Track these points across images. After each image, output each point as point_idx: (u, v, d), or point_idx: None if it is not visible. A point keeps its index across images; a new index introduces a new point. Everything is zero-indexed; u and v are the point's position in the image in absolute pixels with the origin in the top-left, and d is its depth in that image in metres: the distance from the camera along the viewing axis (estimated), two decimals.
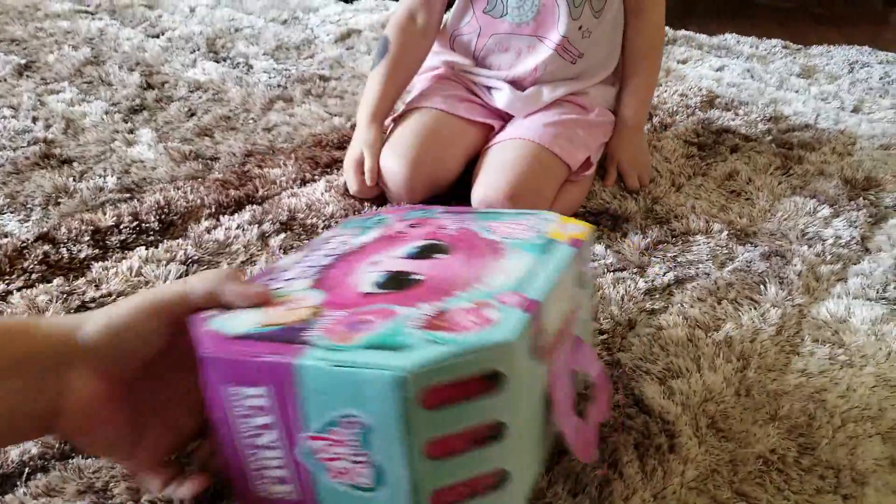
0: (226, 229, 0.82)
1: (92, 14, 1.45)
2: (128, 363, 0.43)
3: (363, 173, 0.88)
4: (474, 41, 0.92)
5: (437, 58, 0.97)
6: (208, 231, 0.82)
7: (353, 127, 1.08)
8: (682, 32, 1.62)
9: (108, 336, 0.42)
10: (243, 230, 0.82)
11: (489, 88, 0.94)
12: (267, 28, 1.44)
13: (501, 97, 0.92)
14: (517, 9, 0.88)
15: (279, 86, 1.21)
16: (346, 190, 0.91)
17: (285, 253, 0.79)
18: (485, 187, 0.83)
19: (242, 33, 1.41)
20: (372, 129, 0.90)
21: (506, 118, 0.95)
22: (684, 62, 1.45)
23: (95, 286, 0.70)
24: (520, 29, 0.89)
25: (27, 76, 1.15)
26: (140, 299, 0.43)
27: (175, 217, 0.82)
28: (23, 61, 1.19)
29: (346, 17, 1.56)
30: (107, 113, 1.05)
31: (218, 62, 1.28)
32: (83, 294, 0.69)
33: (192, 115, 1.08)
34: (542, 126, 0.88)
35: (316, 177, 0.95)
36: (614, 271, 0.77)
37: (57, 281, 0.70)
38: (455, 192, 0.90)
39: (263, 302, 0.44)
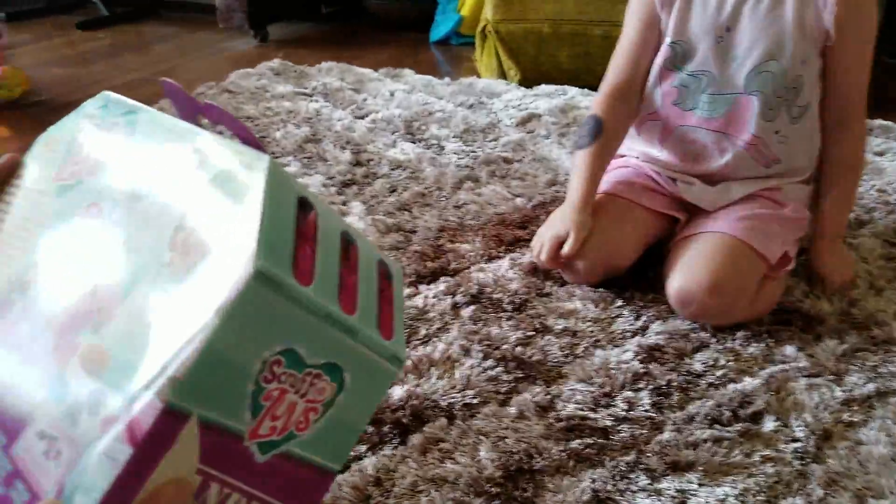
0: (424, 297, 0.90)
1: (309, 96, 1.65)
2: None
3: (557, 248, 0.90)
4: (660, 129, 0.96)
5: (624, 143, 1.01)
6: (409, 298, 0.90)
7: (533, 208, 1.15)
8: (879, 122, 1.55)
9: None
10: (438, 299, 0.90)
11: (674, 179, 0.97)
12: (456, 112, 1.57)
13: (689, 190, 0.95)
14: (709, 104, 0.90)
15: (467, 166, 1.30)
16: (531, 268, 0.97)
17: (475, 324, 0.86)
18: (684, 280, 0.84)
19: (435, 117, 1.54)
20: (585, 212, 0.91)
21: (690, 210, 0.97)
22: (881, 154, 1.39)
23: None
24: (708, 124, 0.91)
25: None
26: None
27: None
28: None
29: (526, 101, 1.66)
30: (324, 186, 1.20)
31: (414, 143, 1.41)
32: None
33: (394, 190, 1.20)
34: (737, 220, 0.89)
35: (501, 254, 1.02)
36: (808, 376, 0.76)
37: None
38: (631, 278, 0.93)
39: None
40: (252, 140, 0.36)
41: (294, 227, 0.32)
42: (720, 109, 0.90)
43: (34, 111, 1.69)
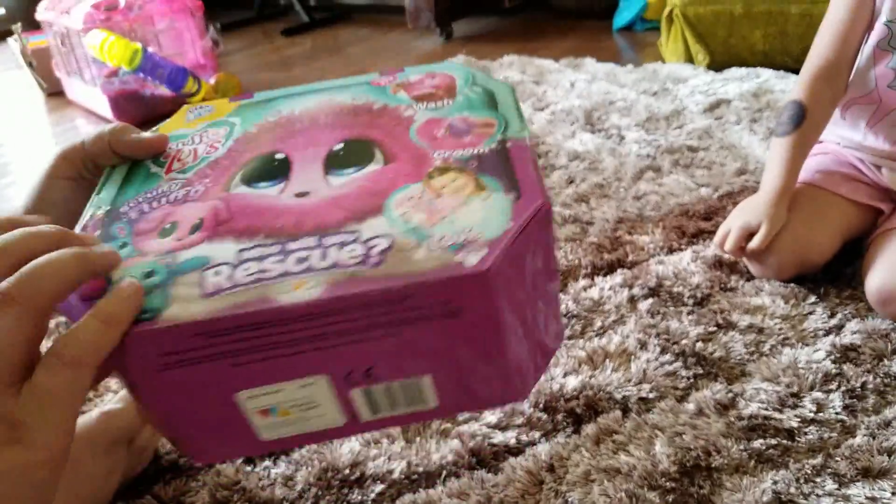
0: (599, 289, 0.91)
1: None
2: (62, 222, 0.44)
3: (745, 238, 0.86)
4: (870, 113, 0.88)
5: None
6: (585, 289, 0.92)
7: (720, 198, 1.11)
8: None
9: (36, 207, 0.43)
10: (615, 291, 0.90)
11: (879, 167, 0.89)
12: (638, 100, 1.53)
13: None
14: None
15: (649, 156, 1.28)
16: (715, 261, 0.94)
17: (652, 317, 0.85)
18: (886, 276, 0.78)
19: (616, 106, 1.52)
20: (781, 206, 0.86)
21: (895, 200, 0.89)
22: None
23: None
24: None
25: None
26: (45, 165, 0.45)
27: (559, 273, 0.94)
28: None
29: (714, 86, 1.58)
30: None
31: (594, 133, 1.40)
32: None
33: (571, 182, 1.21)
34: None
35: (682, 246, 1.00)
36: None
37: None
38: (827, 273, 0.87)
39: (159, 148, 0.44)
40: None
41: None
42: None
43: None
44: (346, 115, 0.45)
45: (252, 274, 0.34)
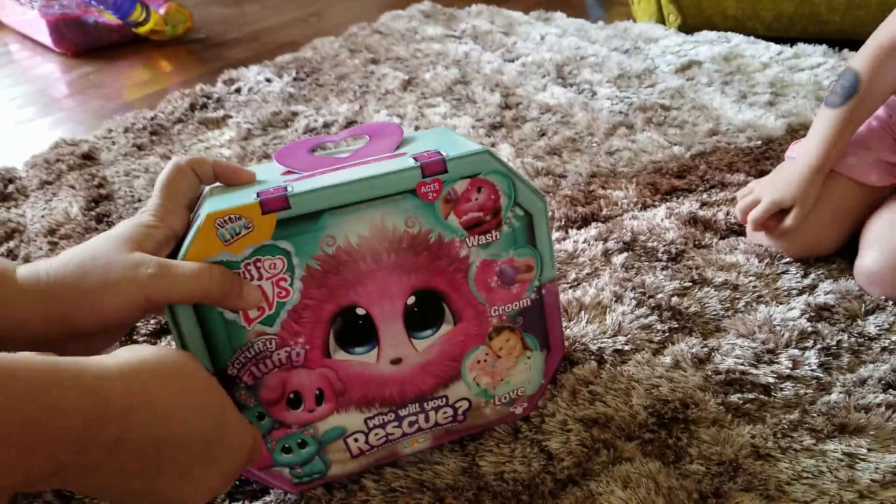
0: (574, 241, 0.89)
1: (458, 38, 1.64)
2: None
3: (774, 214, 0.82)
4: None
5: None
6: (559, 241, 0.89)
7: (692, 157, 1.09)
8: None
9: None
10: (589, 245, 0.88)
11: None
12: (610, 57, 1.51)
13: None
14: None
15: (621, 112, 1.26)
16: (689, 218, 0.92)
17: (627, 271, 0.83)
18: (874, 258, 0.74)
19: (587, 61, 1.49)
20: (815, 184, 0.80)
21: None
22: None
23: None
24: None
25: (410, 90, 1.35)
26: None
27: None
28: (406, 77, 1.40)
29: (686, 48, 1.57)
30: (473, 127, 1.19)
31: (565, 87, 1.37)
32: None
33: (543, 134, 1.18)
34: None
35: (656, 202, 0.98)
36: None
37: None
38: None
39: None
40: None
41: None
42: None
43: (195, 48, 1.79)
44: (406, 251, 0.48)
45: (381, 438, 0.54)
